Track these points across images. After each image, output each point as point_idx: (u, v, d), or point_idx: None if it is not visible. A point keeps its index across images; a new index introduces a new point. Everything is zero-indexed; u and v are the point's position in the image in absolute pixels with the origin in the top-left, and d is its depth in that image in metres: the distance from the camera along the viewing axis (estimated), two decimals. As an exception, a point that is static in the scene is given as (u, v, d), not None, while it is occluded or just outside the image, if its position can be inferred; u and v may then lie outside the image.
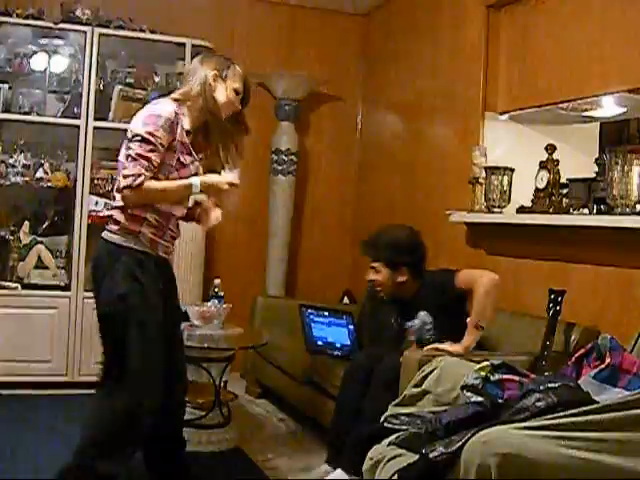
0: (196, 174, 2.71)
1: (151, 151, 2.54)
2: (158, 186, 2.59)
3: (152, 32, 4.82)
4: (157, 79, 4.94)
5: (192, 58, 4.73)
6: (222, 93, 2.73)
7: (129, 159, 2.56)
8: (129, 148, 2.58)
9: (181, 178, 2.65)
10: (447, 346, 3.07)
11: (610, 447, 2.00)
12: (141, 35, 4.76)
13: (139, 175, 2.52)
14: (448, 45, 4.45)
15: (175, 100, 2.70)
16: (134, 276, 2.59)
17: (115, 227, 2.63)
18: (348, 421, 3.19)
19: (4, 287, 4.49)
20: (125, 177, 2.54)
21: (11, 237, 4.60)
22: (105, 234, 2.67)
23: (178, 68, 4.92)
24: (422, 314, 3.36)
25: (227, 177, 2.72)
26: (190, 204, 2.87)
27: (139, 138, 2.55)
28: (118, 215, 2.63)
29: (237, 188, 2.74)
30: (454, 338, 3.13)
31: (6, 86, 4.57)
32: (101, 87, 4.68)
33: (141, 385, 2.57)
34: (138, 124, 2.60)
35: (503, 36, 4.05)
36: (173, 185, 2.64)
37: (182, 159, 2.65)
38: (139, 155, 2.54)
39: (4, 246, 4.63)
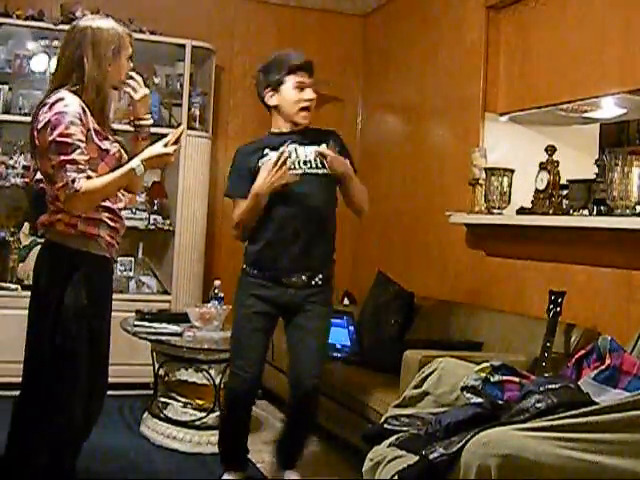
0: (120, 154, 2.56)
1: (72, 152, 2.38)
2: (98, 184, 2.42)
3: (152, 33, 4.83)
4: (157, 80, 4.95)
5: (192, 59, 4.81)
6: (119, 69, 2.56)
7: (55, 170, 2.39)
8: (49, 160, 2.40)
9: (108, 165, 2.50)
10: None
11: (610, 448, 2.00)
12: (141, 36, 4.75)
13: (73, 181, 2.36)
14: (448, 46, 4.45)
15: (72, 91, 2.47)
16: (94, 286, 2.49)
17: (71, 231, 2.47)
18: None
19: (4, 288, 4.49)
20: (60, 189, 2.38)
21: (11, 238, 4.60)
22: (57, 238, 2.49)
23: (178, 69, 4.93)
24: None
25: (165, 146, 2.54)
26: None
27: (54, 146, 2.38)
28: (72, 218, 2.46)
29: (178, 144, 2.58)
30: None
31: (6, 87, 4.58)
32: (101, 88, 4.67)
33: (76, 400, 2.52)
34: (46, 131, 2.40)
35: (503, 37, 4.05)
36: (114, 178, 2.46)
37: (102, 146, 2.49)
38: (62, 162, 2.37)
39: (4, 247, 4.62)
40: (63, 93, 2.46)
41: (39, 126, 2.44)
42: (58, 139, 2.38)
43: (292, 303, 3.02)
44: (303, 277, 3.00)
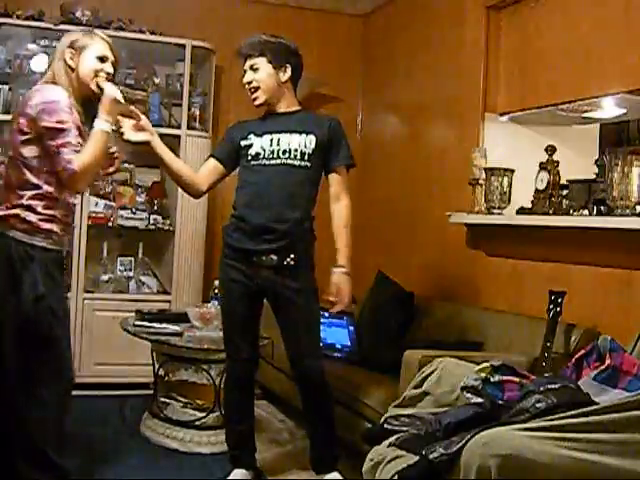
0: None
1: (67, 135, 2.52)
2: (88, 157, 2.54)
3: (152, 33, 4.83)
4: (157, 80, 4.95)
5: (192, 59, 4.81)
6: (86, 65, 2.68)
7: (53, 155, 2.52)
8: (46, 146, 2.52)
9: None
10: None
11: (610, 448, 2.00)
12: (141, 36, 4.77)
13: (68, 162, 2.51)
14: (448, 46, 4.45)
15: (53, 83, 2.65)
16: (51, 276, 2.58)
17: (24, 226, 2.55)
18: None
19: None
20: (60, 172, 2.53)
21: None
22: (12, 233, 2.56)
23: (178, 69, 4.93)
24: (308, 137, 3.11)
25: (110, 93, 2.69)
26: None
27: (51, 133, 2.51)
28: (27, 214, 2.55)
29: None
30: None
31: (6, 87, 4.58)
32: (101, 88, 4.68)
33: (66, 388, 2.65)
34: (41, 117, 2.51)
35: (503, 37, 4.05)
36: (96, 144, 2.58)
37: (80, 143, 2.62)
38: (60, 146, 2.51)
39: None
40: (48, 86, 2.62)
41: (31, 111, 2.54)
42: (56, 126, 2.51)
43: (266, 287, 3.08)
44: (272, 257, 3.05)
